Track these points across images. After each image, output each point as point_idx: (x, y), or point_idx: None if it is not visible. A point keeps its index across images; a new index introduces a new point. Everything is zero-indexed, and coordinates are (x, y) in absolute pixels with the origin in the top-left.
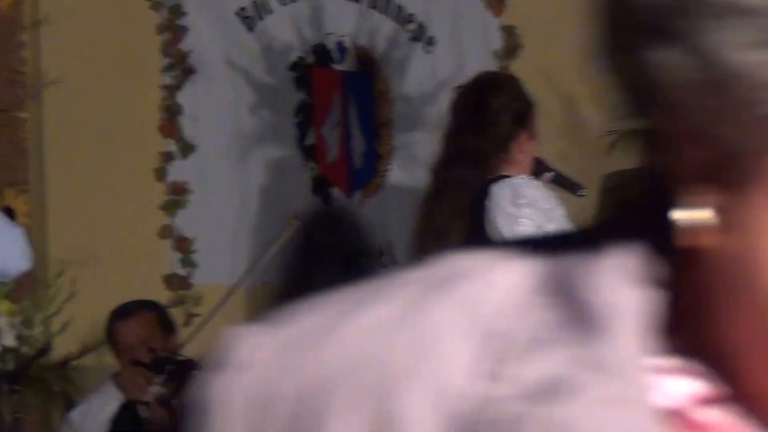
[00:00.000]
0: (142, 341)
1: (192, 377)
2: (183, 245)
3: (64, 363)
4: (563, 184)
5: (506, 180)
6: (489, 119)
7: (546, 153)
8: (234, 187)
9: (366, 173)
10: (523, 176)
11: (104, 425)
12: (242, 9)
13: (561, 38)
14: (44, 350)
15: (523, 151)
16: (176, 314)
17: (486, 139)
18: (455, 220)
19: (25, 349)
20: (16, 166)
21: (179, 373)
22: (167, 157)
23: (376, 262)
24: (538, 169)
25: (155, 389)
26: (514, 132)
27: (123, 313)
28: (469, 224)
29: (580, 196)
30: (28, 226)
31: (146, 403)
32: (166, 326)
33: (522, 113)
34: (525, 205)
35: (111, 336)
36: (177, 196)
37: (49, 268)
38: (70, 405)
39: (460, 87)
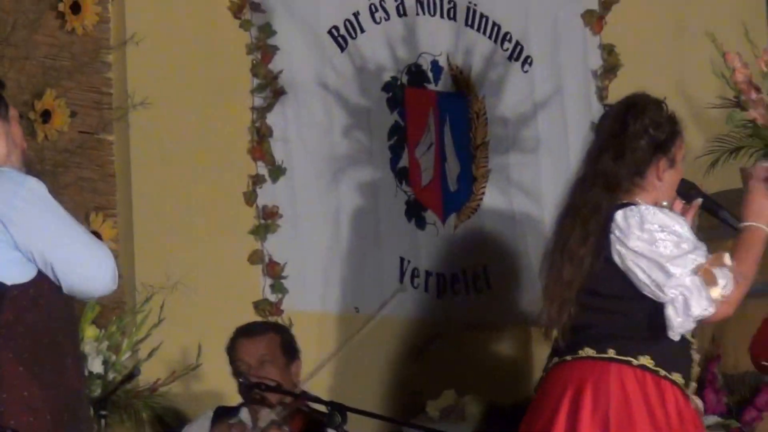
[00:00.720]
0: (262, 362)
1: (304, 409)
2: (273, 270)
3: (152, 389)
4: (715, 213)
5: (632, 207)
6: (627, 143)
7: None
8: (326, 211)
9: (461, 196)
10: (648, 204)
11: None
12: (334, 28)
13: (660, 56)
14: (131, 376)
15: (661, 178)
16: None
17: (622, 162)
18: (585, 244)
19: (111, 375)
20: (102, 189)
21: (293, 403)
22: (257, 180)
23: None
24: (687, 194)
25: (268, 415)
26: (651, 157)
27: (247, 331)
28: (595, 248)
29: (737, 229)
30: (114, 251)
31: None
32: (290, 352)
33: (662, 139)
34: (655, 231)
35: (231, 352)
36: (267, 221)
37: (137, 293)
38: None
39: (608, 106)
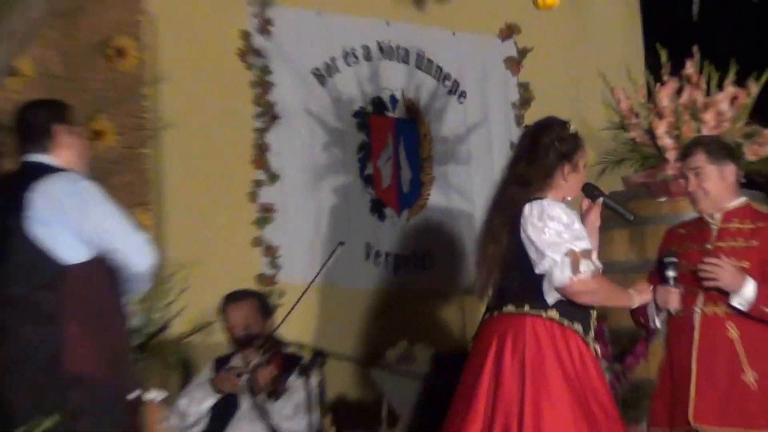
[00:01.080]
0: (245, 321)
1: (280, 352)
2: (270, 252)
3: (179, 340)
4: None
5: (537, 201)
6: (538, 152)
7: None
8: (310, 208)
9: (412, 196)
10: (551, 198)
11: (204, 413)
12: (317, 69)
13: (563, 91)
14: (163, 329)
15: (566, 179)
16: None
17: (534, 167)
18: (503, 229)
19: (148, 329)
20: (140, 191)
21: (272, 348)
22: (258, 184)
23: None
24: (591, 194)
25: (255, 359)
26: (557, 163)
27: (233, 297)
28: (511, 231)
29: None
30: (150, 236)
31: (249, 372)
32: (265, 311)
33: (566, 150)
34: (548, 219)
35: (222, 315)
36: (266, 214)
37: (167, 268)
38: (185, 374)
39: (526, 126)
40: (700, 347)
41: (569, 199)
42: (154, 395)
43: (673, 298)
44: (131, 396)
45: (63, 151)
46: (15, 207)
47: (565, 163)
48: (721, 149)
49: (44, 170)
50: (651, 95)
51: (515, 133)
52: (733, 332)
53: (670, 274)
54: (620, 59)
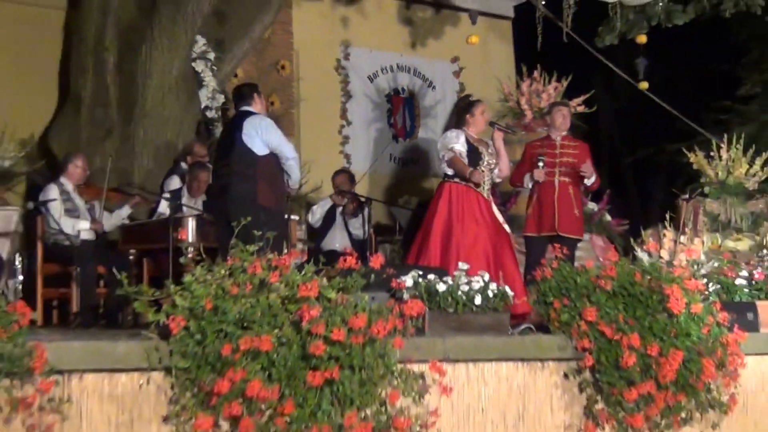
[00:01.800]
0: (343, 182)
1: (356, 197)
2: (347, 157)
3: (306, 193)
4: (504, 129)
5: (452, 130)
6: (455, 110)
7: None
8: (365, 136)
9: (410, 132)
10: (467, 130)
11: (321, 218)
12: (369, 75)
13: (481, 87)
14: (299, 188)
15: (473, 120)
16: None
17: (454, 116)
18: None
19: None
20: (290, 128)
21: (353, 195)
22: (342, 126)
23: None
24: (492, 125)
25: (346, 201)
26: (465, 113)
27: (339, 171)
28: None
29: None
30: (294, 144)
31: (343, 206)
32: (352, 179)
33: (463, 106)
34: (444, 139)
35: (333, 179)
36: (344, 140)
37: (303, 163)
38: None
39: (457, 101)
40: (558, 195)
41: (480, 129)
42: (294, 217)
43: (540, 174)
44: (291, 216)
45: (257, 106)
46: (236, 128)
47: (468, 113)
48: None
49: (249, 114)
50: (518, 86)
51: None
52: (571, 190)
53: (540, 164)
54: (505, 71)
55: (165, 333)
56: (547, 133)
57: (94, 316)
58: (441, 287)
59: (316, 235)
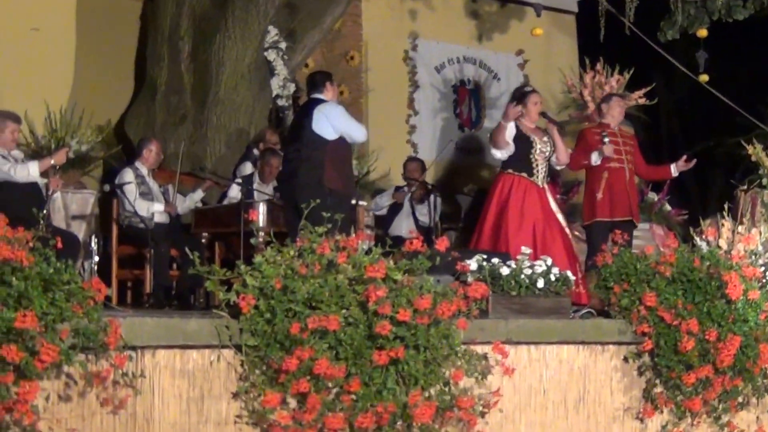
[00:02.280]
0: (414, 170)
1: (425, 185)
2: (413, 146)
3: (374, 181)
4: (552, 120)
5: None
6: (513, 98)
7: None
8: (432, 125)
9: (476, 123)
10: (520, 119)
11: (385, 204)
12: (436, 66)
13: (544, 78)
14: (366, 174)
15: (527, 110)
16: None
17: (511, 103)
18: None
19: (361, 174)
20: (358, 115)
21: (423, 183)
22: (409, 116)
23: None
24: (544, 115)
25: (414, 188)
26: (519, 102)
27: (410, 159)
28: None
29: (560, 126)
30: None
31: (411, 192)
32: (423, 167)
33: (518, 96)
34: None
35: (405, 166)
36: (411, 129)
37: (371, 147)
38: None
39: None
40: (629, 181)
41: (533, 118)
42: (362, 202)
43: (609, 149)
44: (353, 200)
45: (328, 93)
46: (307, 115)
47: (520, 103)
48: None
49: (320, 101)
50: (581, 78)
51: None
52: (636, 179)
53: (606, 139)
54: (568, 63)
55: (235, 312)
56: (599, 121)
57: (167, 296)
58: (504, 271)
59: (384, 221)
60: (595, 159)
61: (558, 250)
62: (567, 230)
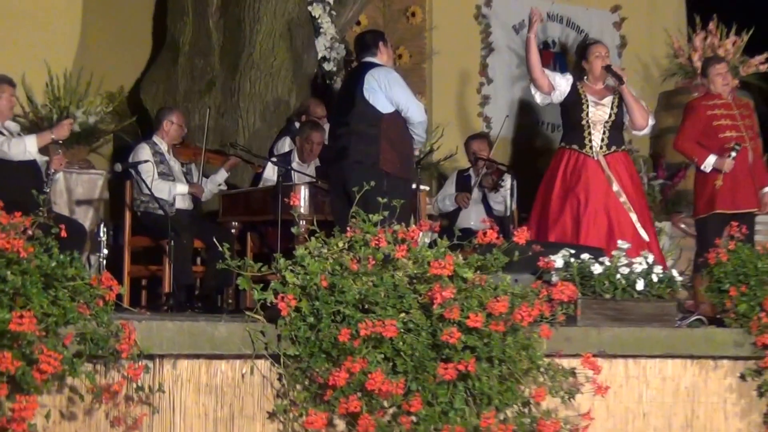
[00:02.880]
0: (481, 149)
1: (496, 166)
2: (486, 119)
3: (437, 161)
4: (613, 73)
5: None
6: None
7: None
8: (507, 96)
9: None
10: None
11: (448, 198)
12: (514, 25)
13: (646, 39)
14: (430, 152)
15: (589, 63)
16: None
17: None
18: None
19: (423, 153)
20: (420, 86)
21: (492, 164)
22: (481, 84)
23: None
24: (610, 70)
25: (484, 172)
26: (581, 58)
27: (475, 136)
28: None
29: (620, 79)
30: (424, 105)
31: (482, 177)
32: (490, 145)
33: (581, 50)
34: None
35: (466, 146)
36: (485, 101)
37: (433, 124)
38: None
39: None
40: (753, 164)
41: (597, 75)
42: (424, 187)
43: (731, 165)
44: (413, 185)
45: (382, 56)
46: (357, 82)
47: (584, 57)
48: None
49: (372, 65)
50: (690, 40)
51: (617, 60)
52: (764, 160)
53: (733, 153)
54: (674, 22)
55: (273, 315)
56: (708, 91)
57: (189, 297)
58: (597, 269)
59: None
60: (706, 166)
61: (615, 236)
62: (633, 215)
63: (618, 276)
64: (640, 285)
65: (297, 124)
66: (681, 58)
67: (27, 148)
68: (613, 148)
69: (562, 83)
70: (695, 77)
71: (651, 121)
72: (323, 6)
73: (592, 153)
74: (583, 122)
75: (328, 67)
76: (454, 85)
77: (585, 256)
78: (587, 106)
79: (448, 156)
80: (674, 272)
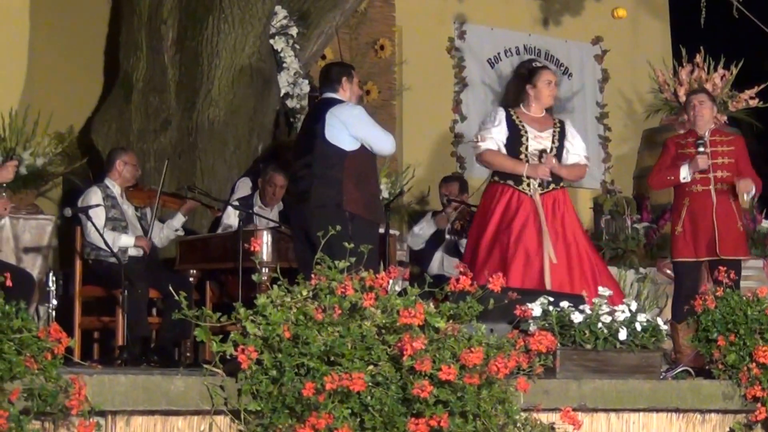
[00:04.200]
0: (452, 192)
1: (469, 208)
2: (460, 160)
3: (408, 204)
4: None
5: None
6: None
7: None
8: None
9: None
10: (525, 105)
11: (425, 234)
12: (489, 59)
13: (628, 73)
14: (400, 194)
15: (535, 90)
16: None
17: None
18: None
19: (392, 195)
20: (390, 123)
21: (464, 207)
22: (455, 121)
23: None
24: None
25: (452, 213)
26: (525, 84)
27: (448, 179)
28: None
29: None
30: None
31: (451, 223)
32: (463, 188)
33: (525, 74)
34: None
35: (440, 188)
36: (458, 140)
37: (403, 163)
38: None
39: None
40: (717, 208)
41: (543, 106)
42: (393, 231)
43: (705, 161)
44: (381, 229)
45: (344, 92)
46: (318, 122)
47: (530, 81)
48: (713, 97)
49: (333, 102)
50: (676, 73)
51: (598, 95)
52: (732, 200)
53: (701, 147)
54: (659, 54)
55: (233, 368)
56: (689, 128)
57: (144, 350)
58: (577, 318)
59: (420, 255)
60: (684, 174)
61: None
62: (547, 261)
63: (599, 325)
64: (622, 335)
65: (260, 165)
66: (666, 93)
67: None
68: (552, 186)
69: (500, 133)
70: (680, 114)
71: (585, 162)
72: (286, 39)
73: (529, 190)
74: (521, 156)
75: (291, 103)
76: (426, 122)
77: (564, 304)
78: (526, 139)
79: (419, 199)
80: (659, 321)
